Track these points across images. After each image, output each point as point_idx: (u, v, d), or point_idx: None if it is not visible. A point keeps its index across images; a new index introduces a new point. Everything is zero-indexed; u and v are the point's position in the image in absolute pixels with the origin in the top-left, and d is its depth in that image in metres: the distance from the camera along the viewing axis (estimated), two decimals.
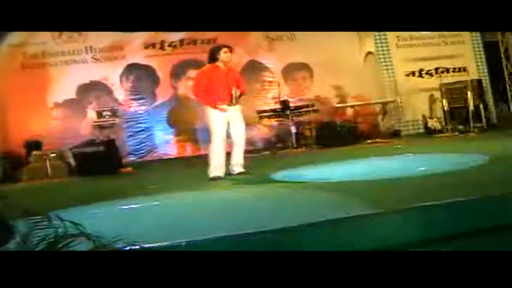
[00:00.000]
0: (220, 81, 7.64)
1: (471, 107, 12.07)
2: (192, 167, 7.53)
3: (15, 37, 13.36)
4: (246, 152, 12.52)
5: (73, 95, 13.36)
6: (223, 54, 7.68)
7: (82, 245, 2.95)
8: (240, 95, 7.96)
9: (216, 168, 7.59)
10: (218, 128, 7.63)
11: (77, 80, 13.43)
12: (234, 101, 7.74)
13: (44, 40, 13.51)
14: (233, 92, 7.70)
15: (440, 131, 12.51)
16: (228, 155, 7.82)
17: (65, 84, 13.37)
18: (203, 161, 7.97)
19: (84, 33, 13.62)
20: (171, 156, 13.26)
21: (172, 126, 13.71)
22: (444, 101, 12.49)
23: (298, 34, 14.23)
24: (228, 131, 7.72)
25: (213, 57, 7.76)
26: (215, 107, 7.56)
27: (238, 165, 7.82)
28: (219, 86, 7.63)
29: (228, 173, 7.72)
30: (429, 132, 12.69)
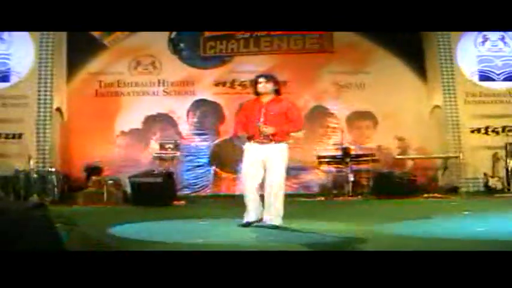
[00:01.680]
0: (254, 114, 6.88)
1: None
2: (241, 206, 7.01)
3: (93, 65, 13.99)
4: (301, 195, 12.81)
5: (139, 125, 13.78)
6: (258, 86, 7.00)
7: None
8: (282, 132, 6.85)
9: (248, 212, 6.85)
10: (246, 166, 6.87)
11: (145, 111, 13.86)
12: (264, 136, 6.72)
13: (120, 70, 14.09)
14: (260, 127, 6.71)
15: (501, 191, 12.20)
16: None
17: (133, 114, 13.82)
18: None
19: (158, 66, 14.12)
20: (225, 193, 13.24)
21: (230, 163, 13.66)
22: (508, 160, 12.20)
23: (367, 83, 14.24)
24: (266, 171, 6.81)
25: (254, 90, 7.16)
26: (248, 140, 6.89)
27: (270, 215, 6.72)
28: (252, 119, 6.88)
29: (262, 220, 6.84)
30: (489, 191, 12.38)
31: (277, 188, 6.72)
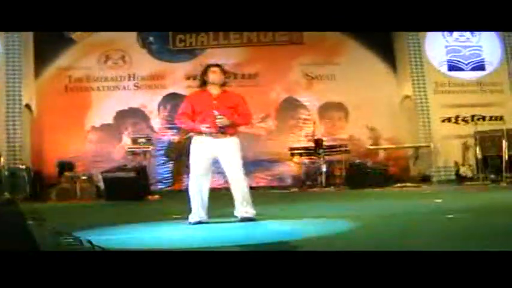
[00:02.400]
0: (206, 107, 6.33)
1: (505, 157, 11.91)
2: (216, 199, 6.53)
3: (62, 60, 13.84)
4: (275, 187, 12.84)
5: (110, 120, 13.71)
6: (211, 75, 6.42)
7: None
8: (237, 125, 6.51)
9: (195, 211, 6.28)
10: (197, 162, 6.31)
11: (116, 106, 13.82)
12: (219, 129, 6.22)
13: (89, 64, 13.99)
14: (217, 118, 6.18)
15: (472, 179, 12.37)
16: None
17: (104, 109, 13.77)
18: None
19: (128, 60, 14.02)
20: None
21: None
22: (478, 149, 12.37)
23: (337, 74, 14.31)
24: (222, 168, 6.42)
25: (202, 80, 6.59)
26: (197, 133, 6.35)
27: (241, 208, 6.32)
28: (203, 112, 6.33)
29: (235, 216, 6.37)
30: (460, 179, 12.54)
31: (242, 181, 6.35)
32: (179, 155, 13.45)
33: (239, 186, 6.32)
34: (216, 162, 6.40)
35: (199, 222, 6.19)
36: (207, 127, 6.19)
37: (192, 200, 6.29)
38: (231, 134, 6.35)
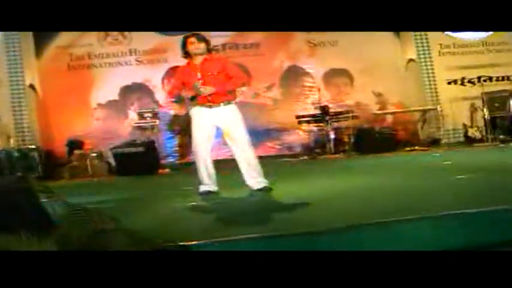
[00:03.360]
0: (191, 78, 6.21)
1: None
2: (227, 169, 6.53)
3: (62, 38, 13.70)
4: (285, 156, 12.81)
5: (116, 97, 13.66)
6: (190, 46, 6.31)
7: (119, 240, 3.05)
8: (220, 94, 6.21)
9: (205, 180, 6.25)
10: (197, 134, 6.24)
11: (120, 82, 13.72)
12: (205, 100, 6.12)
13: (89, 42, 13.87)
14: (196, 87, 6.08)
15: (481, 140, 12.38)
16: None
17: (108, 86, 13.67)
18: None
19: (128, 35, 13.91)
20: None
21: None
22: (485, 110, 12.35)
23: (340, 40, 14.23)
24: (225, 137, 6.30)
25: (184, 53, 6.48)
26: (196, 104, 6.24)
27: (252, 178, 6.17)
28: (189, 83, 6.23)
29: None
30: (469, 141, 12.55)
31: (248, 150, 6.21)
32: (181, 128, 13.45)
33: (245, 156, 6.17)
34: (219, 133, 6.32)
35: (209, 192, 6.17)
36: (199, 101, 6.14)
37: (198, 170, 6.26)
38: (226, 102, 6.21)
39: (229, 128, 6.18)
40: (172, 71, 13.66)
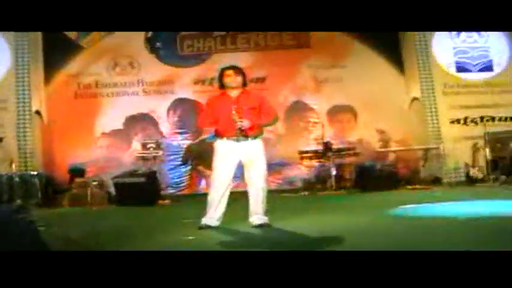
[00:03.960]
0: (226, 110, 6.17)
1: None
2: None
3: (71, 66, 13.95)
4: (286, 191, 12.81)
5: (120, 126, 13.79)
6: (226, 78, 6.33)
7: None
8: (258, 126, 6.31)
9: (211, 215, 6.21)
10: (220, 167, 6.24)
11: (125, 111, 13.88)
12: (240, 131, 6.10)
13: (98, 71, 14.09)
14: (237, 122, 6.07)
15: (482, 181, 12.37)
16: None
17: (113, 115, 13.81)
18: (238, 196, 6.61)
19: (137, 65, 14.10)
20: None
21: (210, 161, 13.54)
22: (487, 150, 12.38)
23: (344, 76, 14.34)
24: (243, 172, 6.34)
25: (220, 84, 6.47)
26: (220, 137, 6.24)
27: (256, 214, 6.23)
28: (223, 115, 6.21)
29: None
30: (471, 181, 12.54)
31: (263, 189, 6.27)
32: (191, 159, 13.51)
33: (258, 193, 6.22)
34: (239, 166, 6.31)
35: (209, 227, 6.13)
36: (229, 133, 6.14)
37: (211, 204, 6.21)
38: (254, 136, 6.23)
39: (251, 162, 6.22)
40: (178, 102, 13.94)
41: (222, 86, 6.42)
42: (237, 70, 6.42)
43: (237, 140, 6.15)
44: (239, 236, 5.84)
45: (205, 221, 6.20)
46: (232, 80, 6.31)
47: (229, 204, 6.32)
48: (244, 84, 6.47)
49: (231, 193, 6.33)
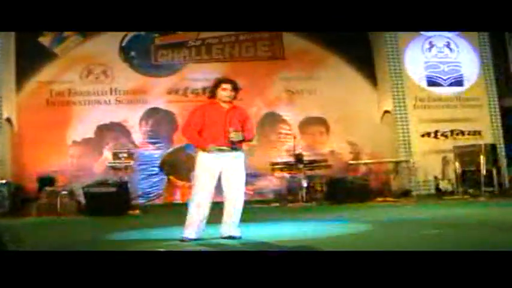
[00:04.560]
0: (217, 121, 6.17)
1: (483, 171, 12.09)
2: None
3: (44, 73, 13.88)
4: (257, 201, 12.81)
5: (92, 135, 13.72)
6: (221, 92, 6.24)
7: None
8: (243, 140, 6.30)
9: (191, 226, 6.07)
10: (203, 177, 6.14)
11: (97, 120, 13.83)
12: (231, 143, 6.11)
13: (71, 79, 14.00)
14: (231, 133, 6.07)
15: (451, 193, 12.53)
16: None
17: (85, 123, 13.76)
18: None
19: (110, 74, 14.05)
20: (180, 202, 13.03)
21: (182, 172, 13.49)
22: (457, 164, 12.58)
23: (318, 89, 14.46)
24: (221, 182, 6.22)
25: (212, 93, 6.37)
26: (204, 149, 6.12)
27: (228, 225, 6.18)
28: (213, 125, 6.18)
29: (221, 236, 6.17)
30: (440, 193, 12.69)
31: (240, 201, 6.22)
32: (168, 168, 13.53)
33: (236, 204, 6.18)
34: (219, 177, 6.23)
35: (191, 240, 5.97)
36: (217, 143, 6.08)
37: (192, 215, 6.07)
38: (238, 149, 6.23)
39: (232, 174, 6.16)
40: (151, 111, 13.90)
41: (214, 96, 6.32)
42: (234, 85, 6.32)
43: (222, 151, 6.10)
44: (211, 248, 5.69)
45: (190, 232, 6.04)
46: (228, 94, 6.24)
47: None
48: (234, 98, 6.41)
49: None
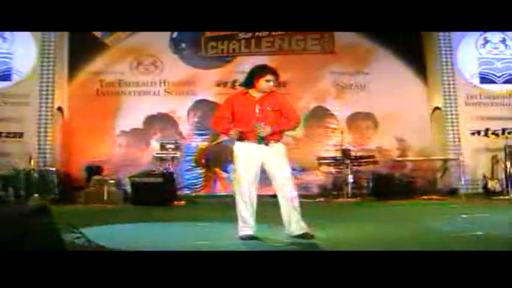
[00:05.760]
0: (247, 111, 5.89)
1: None
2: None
3: (95, 64, 14.07)
4: (301, 197, 12.64)
5: (140, 125, 13.87)
6: (263, 82, 5.86)
7: None
8: (279, 131, 5.94)
9: (245, 222, 5.78)
10: (242, 169, 5.86)
11: (146, 111, 13.95)
12: (259, 139, 5.77)
13: (121, 70, 14.16)
14: (258, 129, 5.74)
15: (500, 193, 12.26)
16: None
17: (134, 114, 13.90)
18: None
19: (159, 65, 14.16)
20: (224, 193, 12.95)
21: (229, 163, 13.64)
22: (508, 163, 12.26)
23: (368, 84, 14.30)
24: (268, 175, 5.85)
25: (249, 82, 6.00)
26: (242, 139, 5.86)
27: (293, 223, 5.72)
28: (243, 116, 5.91)
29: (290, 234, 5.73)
30: (488, 193, 12.43)
31: (294, 195, 5.80)
32: (207, 160, 13.57)
33: (289, 200, 5.76)
34: (263, 170, 5.89)
35: (252, 237, 5.72)
36: (247, 138, 5.82)
37: (242, 210, 5.80)
38: (276, 140, 5.88)
39: (275, 167, 5.80)
40: (200, 103, 13.98)
41: (252, 86, 5.96)
42: (277, 77, 6.02)
43: (259, 143, 5.79)
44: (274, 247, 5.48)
45: (245, 231, 5.77)
46: (270, 86, 5.92)
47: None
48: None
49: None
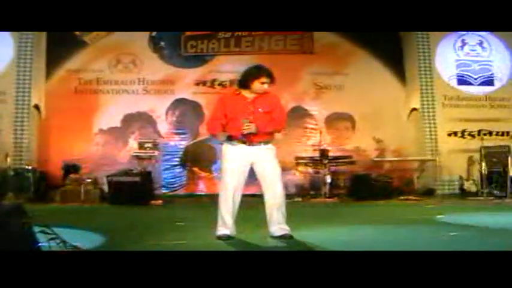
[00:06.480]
0: (239, 111, 5.83)
1: (510, 173, 11.91)
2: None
3: (73, 62, 13.95)
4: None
5: (118, 124, 13.78)
6: (257, 85, 5.82)
7: None
8: (267, 134, 5.92)
9: (225, 223, 5.75)
10: (228, 171, 5.80)
11: (124, 109, 13.88)
12: (244, 137, 5.75)
13: (100, 68, 14.06)
14: (244, 125, 5.71)
15: (476, 194, 12.39)
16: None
17: (112, 112, 13.82)
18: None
19: (138, 64, 14.10)
20: (202, 193, 13.20)
21: (207, 163, 13.65)
22: (483, 164, 12.38)
23: (346, 84, 14.36)
24: (257, 176, 5.86)
25: (243, 82, 5.94)
26: (231, 139, 5.83)
27: (275, 224, 5.73)
28: (235, 116, 5.83)
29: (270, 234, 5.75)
30: (464, 194, 12.56)
31: (282, 197, 5.81)
32: (188, 160, 13.56)
33: (275, 200, 5.75)
34: (251, 171, 5.87)
35: (228, 237, 5.70)
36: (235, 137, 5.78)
37: (223, 210, 5.78)
38: (266, 142, 5.88)
39: (264, 168, 5.81)
40: (178, 102, 13.93)
41: (246, 87, 5.90)
42: (273, 79, 5.90)
43: (249, 144, 5.79)
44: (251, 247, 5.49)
45: (222, 231, 5.75)
46: (264, 88, 5.87)
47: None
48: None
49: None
